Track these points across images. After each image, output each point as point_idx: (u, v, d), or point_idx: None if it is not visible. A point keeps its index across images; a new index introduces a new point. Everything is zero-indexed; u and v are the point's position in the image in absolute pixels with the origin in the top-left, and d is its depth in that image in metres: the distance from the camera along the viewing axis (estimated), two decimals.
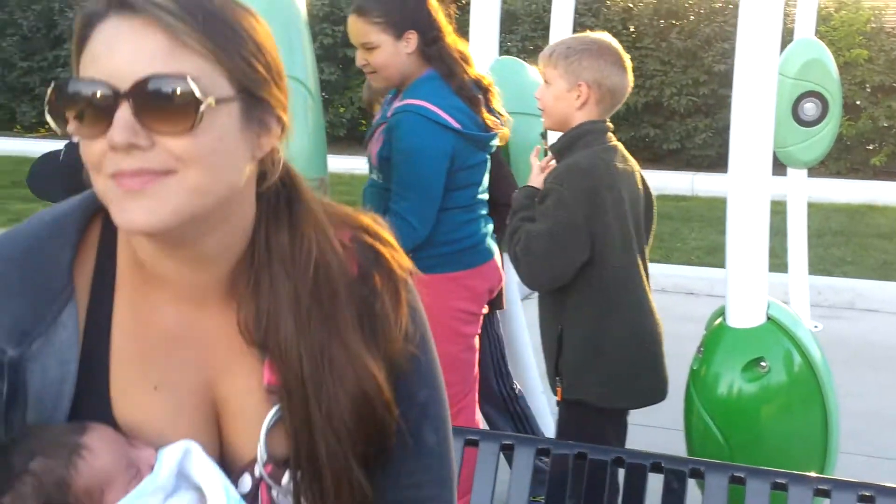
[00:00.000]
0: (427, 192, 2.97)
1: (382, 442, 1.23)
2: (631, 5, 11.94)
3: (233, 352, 1.21)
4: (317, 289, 1.19)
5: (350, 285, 1.21)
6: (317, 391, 1.17)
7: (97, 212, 1.20)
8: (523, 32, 12.03)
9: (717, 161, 11.26)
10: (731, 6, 11.24)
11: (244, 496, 1.20)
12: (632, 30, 11.80)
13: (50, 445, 1.13)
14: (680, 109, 11.37)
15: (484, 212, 3.21)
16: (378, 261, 1.25)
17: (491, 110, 3.11)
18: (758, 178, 2.76)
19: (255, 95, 1.12)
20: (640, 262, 2.98)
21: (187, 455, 1.19)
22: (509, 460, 2.27)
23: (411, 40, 3.01)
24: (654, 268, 7.48)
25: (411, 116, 2.95)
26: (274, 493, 1.22)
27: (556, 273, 2.83)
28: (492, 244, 3.26)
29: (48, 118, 1.10)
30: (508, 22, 12.11)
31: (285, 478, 1.21)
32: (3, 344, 1.14)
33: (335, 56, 12.80)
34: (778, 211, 6.31)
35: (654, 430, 4.64)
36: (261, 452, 1.21)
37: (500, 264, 3.29)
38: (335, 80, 12.75)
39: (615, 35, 3.07)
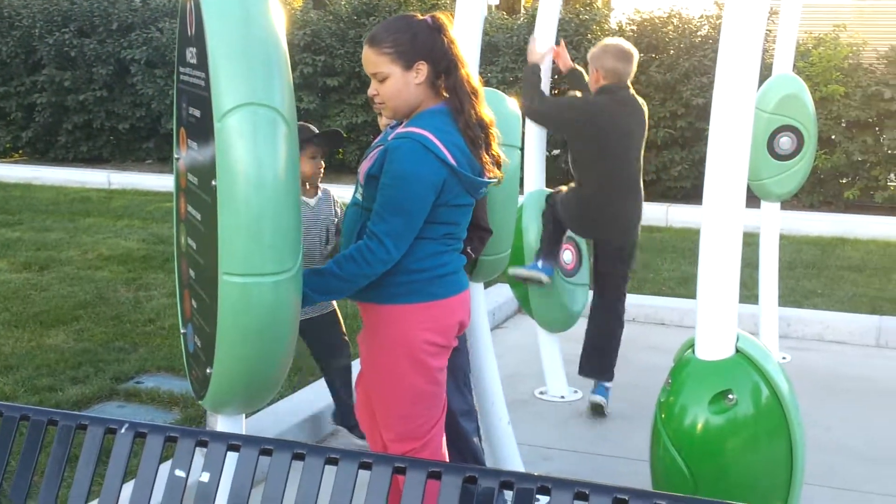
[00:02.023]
0: (407, 219, 2.96)
1: None
2: None
3: None
4: None
5: None
6: None
7: None
8: (504, 64, 12.10)
9: (691, 193, 11.35)
10: (710, 41, 11.35)
11: None
12: None
13: None
14: (657, 141, 11.44)
15: (458, 246, 3.21)
16: None
17: (489, 152, 3.12)
18: (731, 211, 2.78)
19: None
20: None
21: None
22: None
23: (421, 71, 3.01)
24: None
25: (410, 143, 2.95)
26: None
27: None
28: (463, 277, 3.25)
29: None
30: (489, 53, 12.18)
31: None
32: None
33: (315, 85, 12.86)
34: (750, 243, 6.39)
35: (621, 460, 4.66)
36: None
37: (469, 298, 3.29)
38: (314, 108, 12.79)
39: None
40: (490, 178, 3.10)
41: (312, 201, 4.48)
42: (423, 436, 3.16)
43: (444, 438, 3.29)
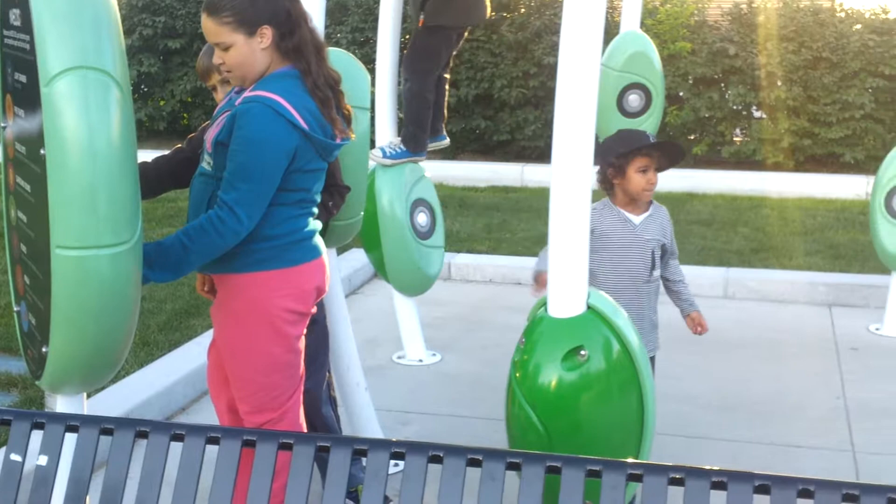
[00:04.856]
0: (261, 186, 2.86)
1: None
2: None
3: None
4: None
5: None
6: None
7: None
8: (353, 24, 11.96)
9: (546, 152, 11.45)
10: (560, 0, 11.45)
11: None
12: None
13: None
14: (510, 101, 11.51)
15: (313, 211, 3.14)
16: None
17: (339, 110, 3.04)
18: (580, 169, 2.80)
19: None
20: None
21: None
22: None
23: (266, 35, 2.90)
24: (482, 258, 7.59)
25: (260, 107, 2.84)
26: None
27: None
28: (319, 242, 3.18)
29: None
30: (338, 13, 12.02)
31: None
32: None
33: (155, 48, 12.43)
34: None
35: (477, 420, 4.69)
36: None
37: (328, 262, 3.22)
38: (155, 72, 12.39)
39: None
40: (342, 140, 3.04)
41: (638, 219, 3.86)
42: (280, 406, 3.09)
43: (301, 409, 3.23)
